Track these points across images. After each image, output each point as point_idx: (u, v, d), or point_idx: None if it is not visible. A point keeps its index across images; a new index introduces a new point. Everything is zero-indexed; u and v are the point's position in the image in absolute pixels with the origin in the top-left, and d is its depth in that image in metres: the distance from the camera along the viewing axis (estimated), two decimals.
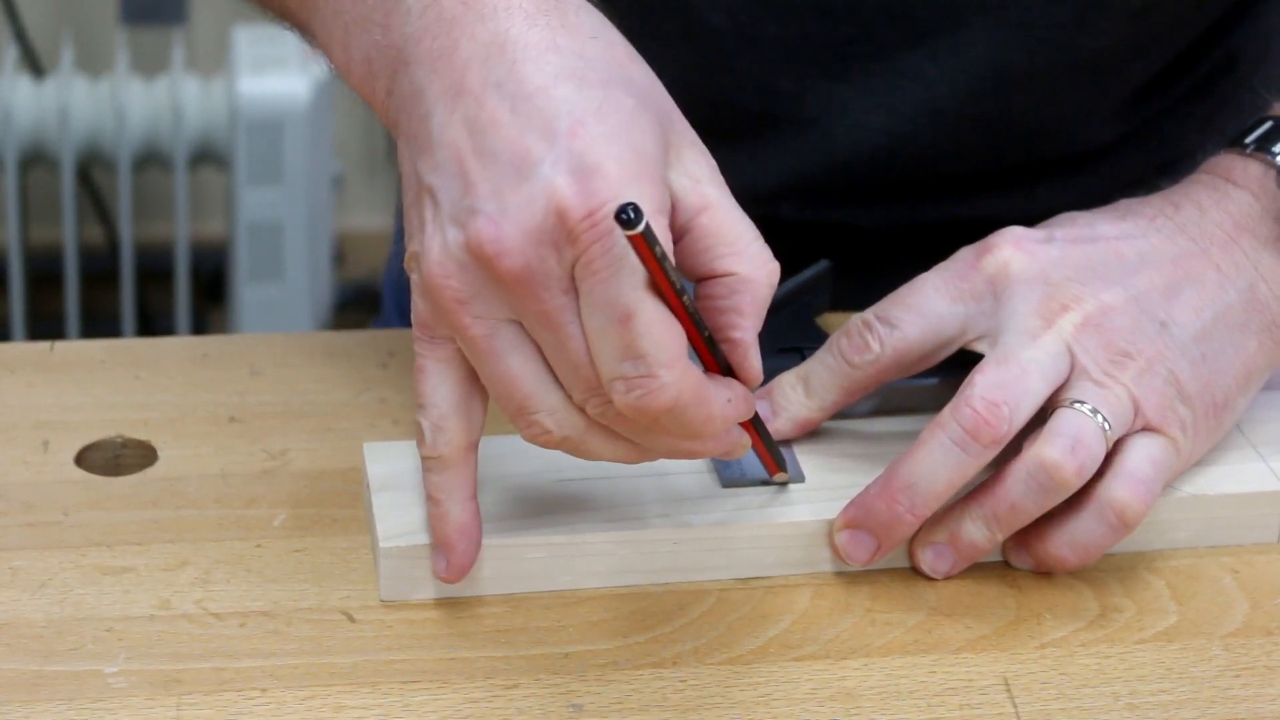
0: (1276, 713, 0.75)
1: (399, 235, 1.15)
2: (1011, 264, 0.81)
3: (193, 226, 2.34)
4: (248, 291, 2.29)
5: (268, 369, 0.92)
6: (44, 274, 2.38)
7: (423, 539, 0.78)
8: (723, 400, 0.73)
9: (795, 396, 0.83)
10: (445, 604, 0.78)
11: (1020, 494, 0.78)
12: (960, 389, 0.78)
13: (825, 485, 0.82)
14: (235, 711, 0.73)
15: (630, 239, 0.68)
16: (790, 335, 0.84)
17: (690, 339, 0.71)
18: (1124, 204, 0.85)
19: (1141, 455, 0.79)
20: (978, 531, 0.79)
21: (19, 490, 0.84)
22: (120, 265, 2.33)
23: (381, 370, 0.93)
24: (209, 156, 2.29)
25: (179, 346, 0.94)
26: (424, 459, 0.76)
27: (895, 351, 0.81)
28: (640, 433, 0.73)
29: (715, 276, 0.73)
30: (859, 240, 0.89)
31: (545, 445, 0.74)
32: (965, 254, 0.82)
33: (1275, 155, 0.84)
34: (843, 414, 0.85)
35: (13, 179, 2.24)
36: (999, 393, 0.78)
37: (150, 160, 2.29)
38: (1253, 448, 0.85)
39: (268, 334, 0.98)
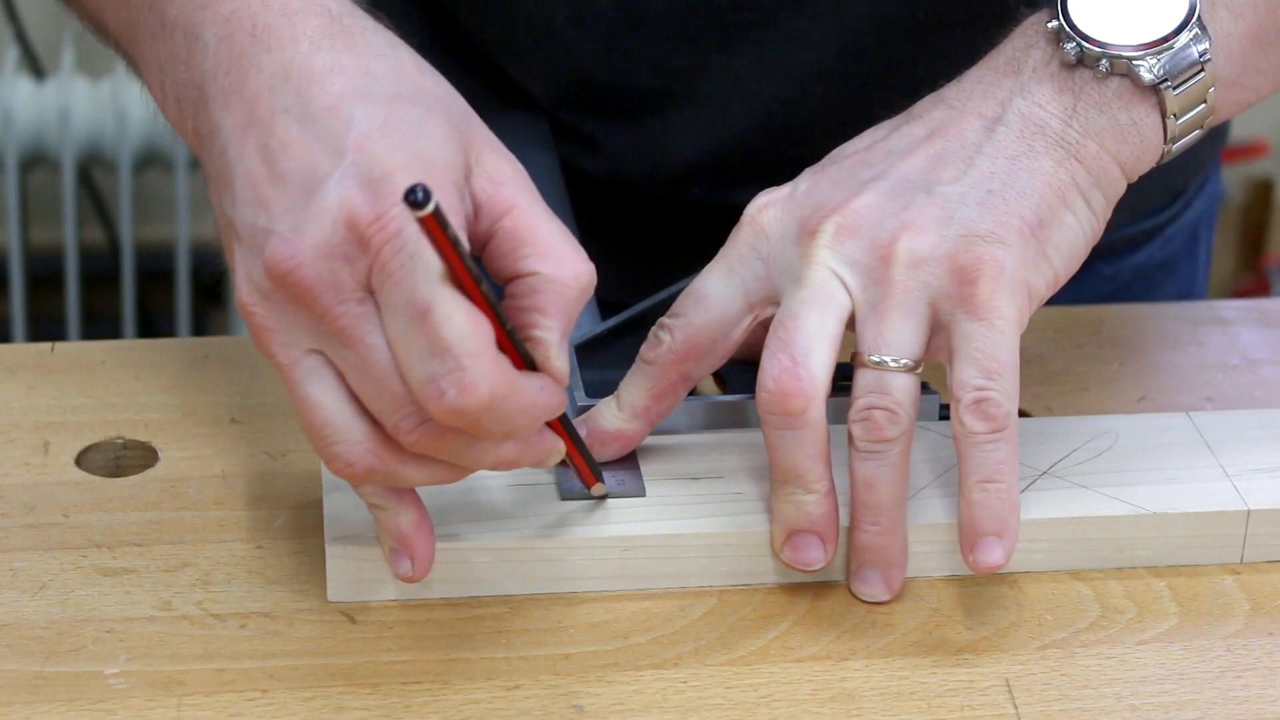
0: (1278, 714, 0.75)
1: None
2: (762, 220, 0.81)
3: (194, 228, 2.34)
4: None
5: (268, 370, 0.92)
6: (45, 275, 2.38)
7: (370, 540, 0.78)
8: (535, 388, 0.72)
9: (607, 411, 0.82)
10: (446, 605, 0.78)
11: (867, 471, 0.77)
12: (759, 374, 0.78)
13: (769, 495, 0.81)
14: (236, 712, 0.73)
15: (421, 222, 0.67)
16: None
17: (495, 333, 0.71)
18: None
19: (967, 375, 0.77)
20: (868, 534, 0.78)
21: (20, 491, 0.84)
22: (121, 266, 2.32)
23: None
24: None
25: (180, 348, 0.94)
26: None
27: (686, 338, 0.81)
28: (458, 448, 0.72)
29: (520, 277, 0.73)
30: None
31: (351, 479, 0.74)
32: (731, 234, 0.82)
33: None
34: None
35: (13, 180, 2.24)
36: (782, 358, 0.77)
37: (151, 161, 2.29)
38: (1219, 466, 0.84)
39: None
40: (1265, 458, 0.84)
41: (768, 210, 0.81)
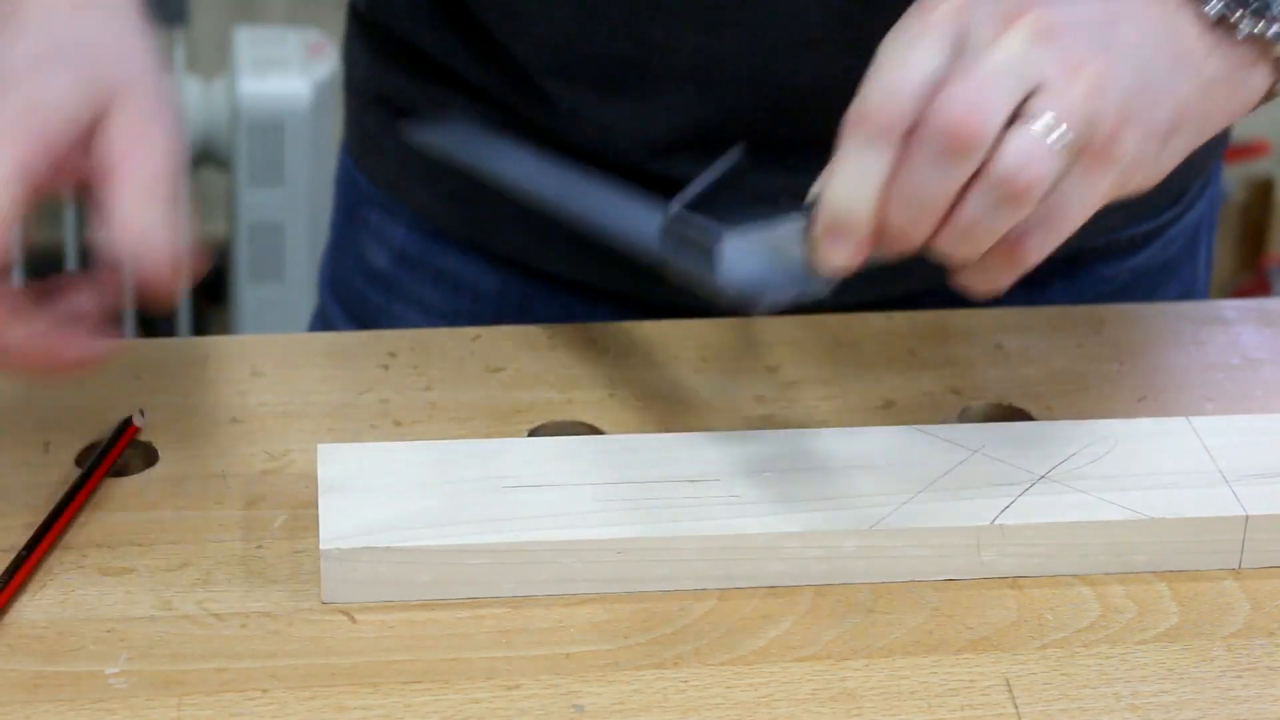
0: (1278, 714, 0.75)
1: (334, 240, 1.16)
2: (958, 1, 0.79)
3: (194, 227, 2.34)
4: (248, 292, 2.29)
5: (269, 370, 0.92)
6: (45, 274, 2.38)
7: (363, 541, 0.78)
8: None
9: (843, 192, 0.77)
10: (446, 605, 0.78)
11: (977, 211, 0.76)
12: (938, 99, 0.76)
13: (769, 498, 0.81)
14: (236, 712, 0.73)
15: None
16: (734, 219, 0.80)
17: None
18: None
19: (1053, 194, 0.77)
20: (950, 246, 0.77)
21: (20, 491, 0.84)
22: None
23: (382, 371, 0.93)
24: (210, 157, 2.29)
25: (180, 347, 0.94)
26: None
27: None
28: None
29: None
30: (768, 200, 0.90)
31: None
32: (910, 19, 0.79)
33: None
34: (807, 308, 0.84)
35: None
36: (976, 93, 0.75)
37: None
38: (1218, 471, 0.84)
39: (269, 335, 0.98)
40: (1264, 463, 0.84)
41: None
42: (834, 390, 0.93)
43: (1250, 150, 2.62)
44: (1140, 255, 1.10)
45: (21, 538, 0.80)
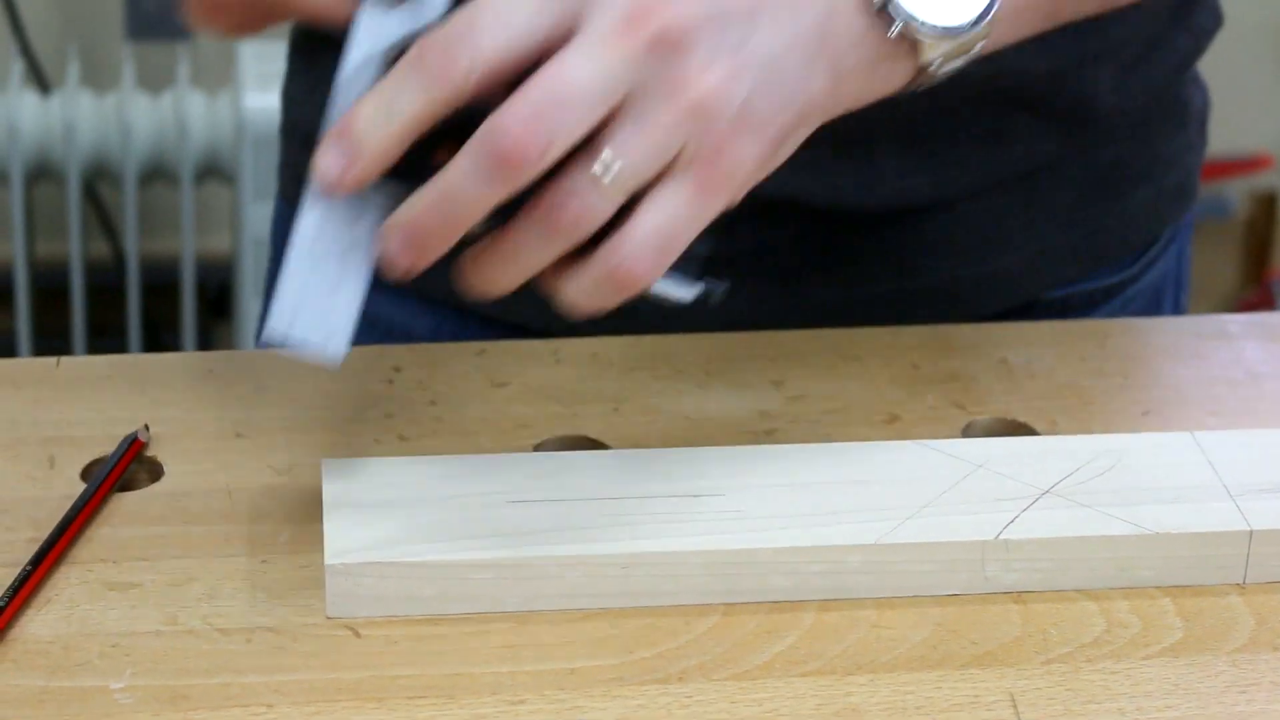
0: None
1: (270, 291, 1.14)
2: None
3: (199, 241, 2.34)
4: (254, 306, 2.30)
5: (273, 384, 0.92)
6: (50, 289, 2.39)
7: (368, 556, 0.78)
8: None
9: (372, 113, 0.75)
10: (451, 619, 0.78)
11: (520, 233, 0.74)
12: (502, 107, 0.72)
13: (774, 513, 0.81)
14: None
15: None
16: None
17: None
18: None
19: (661, 216, 0.73)
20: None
21: (25, 506, 0.84)
22: (126, 280, 2.33)
23: (387, 385, 0.93)
24: (214, 171, 2.29)
25: (185, 362, 0.94)
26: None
27: (486, 65, 0.73)
28: None
29: None
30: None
31: None
32: None
33: None
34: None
35: (19, 194, 2.25)
36: (536, 112, 0.72)
37: (156, 175, 2.30)
38: (1222, 485, 0.84)
39: (273, 349, 0.98)
40: (1269, 477, 0.84)
41: None
42: (838, 405, 0.93)
43: (1254, 164, 2.62)
44: (1098, 312, 1.07)
45: (27, 553, 0.80)
